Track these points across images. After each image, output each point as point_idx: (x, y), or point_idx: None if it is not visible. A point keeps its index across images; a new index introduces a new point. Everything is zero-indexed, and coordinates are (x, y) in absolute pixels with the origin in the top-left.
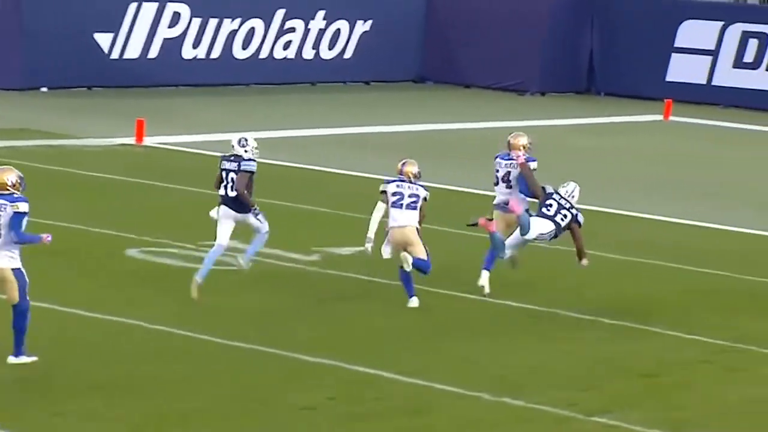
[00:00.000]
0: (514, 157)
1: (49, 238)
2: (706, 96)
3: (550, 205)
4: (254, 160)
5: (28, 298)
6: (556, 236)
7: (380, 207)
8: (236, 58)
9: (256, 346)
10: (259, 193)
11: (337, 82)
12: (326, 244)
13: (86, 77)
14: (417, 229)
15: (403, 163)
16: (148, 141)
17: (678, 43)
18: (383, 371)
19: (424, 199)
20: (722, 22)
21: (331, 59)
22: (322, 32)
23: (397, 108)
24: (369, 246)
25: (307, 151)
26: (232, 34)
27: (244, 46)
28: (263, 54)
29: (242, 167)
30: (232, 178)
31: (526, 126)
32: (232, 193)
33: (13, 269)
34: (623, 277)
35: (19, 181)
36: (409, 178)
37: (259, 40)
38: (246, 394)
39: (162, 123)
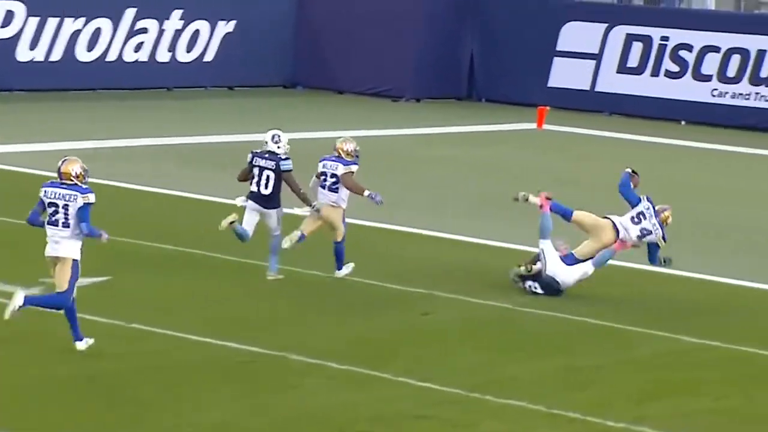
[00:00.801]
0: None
1: (107, 236)
2: (589, 103)
3: None
4: (290, 158)
5: (74, 292)
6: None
7: (314, 182)
8: (80, 61)
9: None
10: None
11: (197, 87)
12: None
13: None
14: (342, 210)
15: (338, 138)
16: None
17: (560, 47)
18: None
19: (345, 173)
20: (606, 24)
21: (189, 62)
22: (178, 33)
23: (263, 115)
24: (315, 210)
25: (133, 165)
26: (76, 34)
27: (90, 48)
28: (111, 56)
29: (283, 168)
30: (267, 176)
31: (397, 134)
32: (265, 191)
33: (74, 260)
34: (381, 311)
35: (83, 172)
36: (339, 154)
37: (107, 42)
38: None
39: None
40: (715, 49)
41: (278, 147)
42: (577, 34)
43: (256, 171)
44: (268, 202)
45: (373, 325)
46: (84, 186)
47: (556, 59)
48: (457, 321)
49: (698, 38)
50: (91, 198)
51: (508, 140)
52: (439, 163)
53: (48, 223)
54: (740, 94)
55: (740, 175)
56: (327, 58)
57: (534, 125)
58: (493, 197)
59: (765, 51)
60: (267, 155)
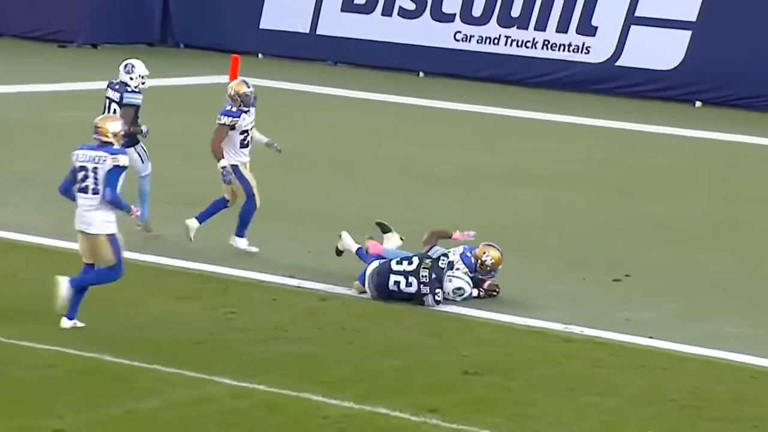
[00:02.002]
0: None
1: (138, 212)
2: (310, 49)
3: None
4: (139, 92)
5: (123, 265)
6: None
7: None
8: None
9: None
10: None
11: None
12: None
13: None
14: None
15: None
16: None
17: None
18: None
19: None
20: None
21: None
22: None
23: None
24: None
25: None
26: None
27: None
28: None
29: (125, 100)
30: (114, 110)
31: (62, 90)
32: None
33: (108, 235)
34: None
35: (122, 132)
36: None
37: None
38: None
39: None
40: None
41: (131, 78)
42: None
43: (106, 103)
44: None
45: None
46: (118, 147)
47: None
48: None
49: None
50: (122, 160)
51: (189, 97)
52: (64, 130)
53: (78, 191)
54: (488, 38)
55: (489, 141)
56: None
57: (222, 78)
58: None
59: None
60: (117, 86)
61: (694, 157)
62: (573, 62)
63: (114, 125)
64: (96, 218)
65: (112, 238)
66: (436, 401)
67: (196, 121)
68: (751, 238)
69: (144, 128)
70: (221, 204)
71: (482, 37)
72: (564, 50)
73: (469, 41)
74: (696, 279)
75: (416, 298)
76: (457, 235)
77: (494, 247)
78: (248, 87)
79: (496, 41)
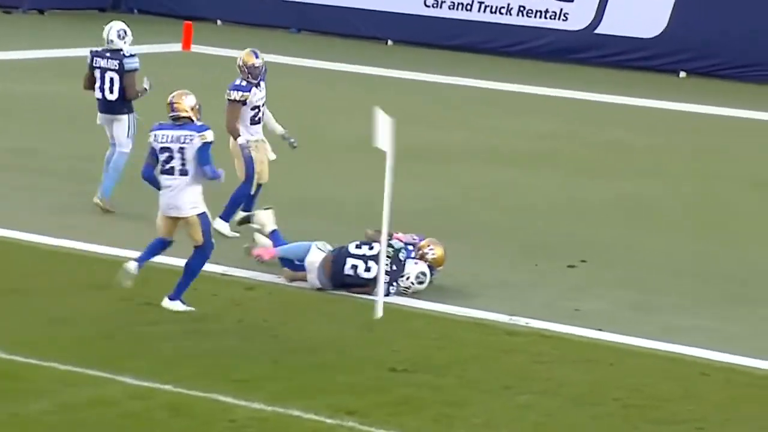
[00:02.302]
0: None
1: (222, 176)
2: (269, 15)
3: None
4: (134, 55)
5: (213, 240)
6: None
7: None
8: None
9: None
10: None
11: None
12: None
13: None
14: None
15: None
16: None
17: None
18: None
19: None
20: None
21: None
22: None
23: None
24: None
25: None
26: None
27: None
28: None
29: (128, 66)
30: (111, 79)
31: (5, 59)
32: (110, 96)
33: (198, 215)
34: None
35: (197, 106)
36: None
37: None
38: None
39: None
40: None
41: (125, 43)
42: None
43: (97, 73)
44: (117, 107)
45: None
46: (201, 123)
47: None
48: None
49: None
50: (209, 136)
51: (143, 67)
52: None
53: (161, 173)
54: (460, 3)
55: (458, 115)
56: None
57: (175, 46)
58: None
59: None
60: (109, 54)
61: (675, 131)
62: (550, 30)
63: (189, 99)
64: (183, 201)
65: (202, 216)
66: (357, 402)
67: (150, 93)
68: (725, 221)
69: (146, 84)
70: (257, 189)
71: (454, 2)
72: (540, 17)
73: (440, 7)
74: (657, 265)
75: (371, 284)
76: (399, 235)
77: (441, 245)
78: (257, 58)
79: (468, 7)
